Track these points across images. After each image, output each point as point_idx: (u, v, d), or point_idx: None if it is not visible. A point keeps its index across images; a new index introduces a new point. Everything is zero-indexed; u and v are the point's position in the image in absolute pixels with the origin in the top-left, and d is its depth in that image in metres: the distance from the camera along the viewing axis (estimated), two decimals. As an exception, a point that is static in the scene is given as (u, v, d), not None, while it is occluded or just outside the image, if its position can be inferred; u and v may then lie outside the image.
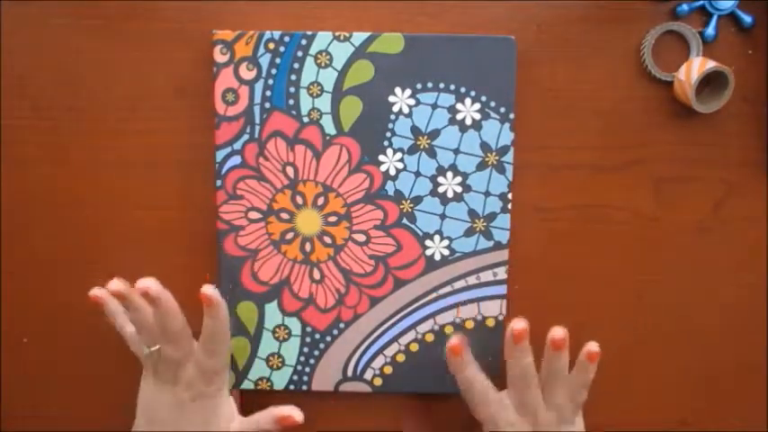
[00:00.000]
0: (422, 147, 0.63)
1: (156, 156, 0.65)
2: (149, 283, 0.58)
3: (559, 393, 0.61)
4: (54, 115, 0.65)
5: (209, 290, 0.59)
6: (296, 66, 0.62)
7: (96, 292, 0.61)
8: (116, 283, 0.58)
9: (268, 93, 0.62)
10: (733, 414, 0.68)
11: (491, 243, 0.64)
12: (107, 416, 0.67)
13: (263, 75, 0.62)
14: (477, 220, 0.63)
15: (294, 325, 0.64)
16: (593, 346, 0.61)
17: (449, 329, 0.64)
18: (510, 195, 0.63)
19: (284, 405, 0.61)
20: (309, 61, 0.62)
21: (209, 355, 0.60)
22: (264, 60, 0.62)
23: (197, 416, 0.60)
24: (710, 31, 0.63)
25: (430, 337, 0.64)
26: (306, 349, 0.64)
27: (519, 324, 0.59)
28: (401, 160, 0.63)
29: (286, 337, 0.64)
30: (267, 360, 0.65)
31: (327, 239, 0.64)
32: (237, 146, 0.63)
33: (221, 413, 0.61)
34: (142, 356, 0.62)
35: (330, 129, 0.62)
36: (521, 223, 0.65)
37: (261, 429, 0.61)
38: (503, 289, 0.64)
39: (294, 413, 0.60)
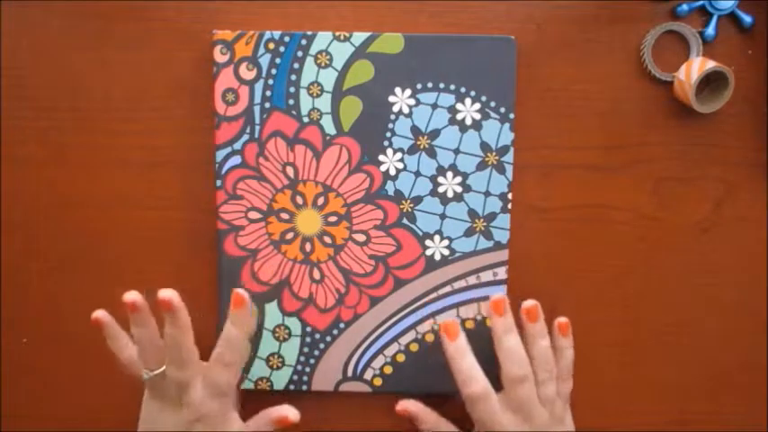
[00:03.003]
0: (422, 147, 0.63)
1: (156, 156, 0.65)
2: (171, 295, 0.57)
3: (551, 386, 0.60)
4: (54, 115, 0.65)
5: (240, 291, 0.58)
6: (296, 66, 0.62)
7: (98, 314, 0.60)
8: (133, 294, 0.58)
9: (268, 93, 0.62)
10: (733, 414, 0.68)
11: (491, 243, 0.64)
12: (107, 416, 0.67)
13: (263, 75, 0.62)
14: (477, 220, 0.64)
15: (294, 325, 0.64)
16: (560, 319, 0.62)
17: (449, 329, 0.64)
18: (510, 195, 0.63)
19: (279, 405, 0.62)
20: (309, 61, 0.62)
21: (222, 367, 0.58)
22: (264, 60, 0.62)
23: None
24: (710, 31, 0.63)
25: (430, 337, 0.64)
26: (306, 349, 0.64)
27: (497, 296, 0.60)
28: (401, 160, 0.63)
29: (286, 337, 0.64)
30: (267, 360, 0.65)
31: (327, 239, 0.64)
32: (237, 146, 0.63)
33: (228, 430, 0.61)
34: (141, 380, 0.60)
35: (330, 129, 0.62)
36: (521, 223, 0.65)
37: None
38: (503, 289, 0.64)
39: (289, 413, 0.60)
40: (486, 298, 0.64)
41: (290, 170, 0.63)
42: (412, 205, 0.63)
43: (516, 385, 0.59)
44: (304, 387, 0.65)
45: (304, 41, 0.62)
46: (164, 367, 0.59)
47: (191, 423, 0.59)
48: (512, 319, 0.60)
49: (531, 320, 0.60)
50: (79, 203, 0.65)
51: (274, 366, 0.65)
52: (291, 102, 0.62)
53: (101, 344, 0.66)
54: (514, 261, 0.64)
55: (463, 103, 0.62)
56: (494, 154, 0.63)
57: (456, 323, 0.59)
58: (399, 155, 0.63)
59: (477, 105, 0.62)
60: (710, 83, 0.62)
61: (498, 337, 0.60)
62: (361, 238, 0.64)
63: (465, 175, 0.63)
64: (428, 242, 0.64)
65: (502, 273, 0.64)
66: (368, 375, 0.65)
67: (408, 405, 0.63)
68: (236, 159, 0.63)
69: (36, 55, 0.64)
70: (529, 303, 0.60)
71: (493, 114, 0.62)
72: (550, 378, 0.60)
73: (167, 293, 0.57)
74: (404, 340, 0.64)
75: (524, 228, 0.65)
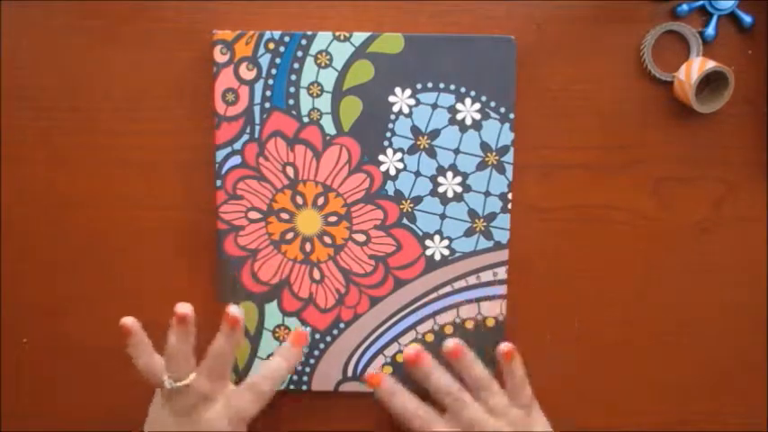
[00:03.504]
0: (422, 147, 0.63)
1: (156, 156, 0.65)
2: (237, 313, 0.57)
3: (496, 399, 0.59)
4: (54, 115, 0.65)
5: (235, 310, 0.58)
6: (296, 66, 0.62)
7: (127, 322, 0.58)
8: (186, 308, 0.57)
9: (268, 93, 0.62)
10: (733, 414, 0.68)
11: (491, 243, 0.64)
12: (107, 416, 0.67)
13: (263, 75, 0.62)
14: (477, 220, 0.64)
15: (294, 325, 0.64)
16: (503, 347, 0.60)
17: (449, 329, 0.64)
18: (510, 195, 0.63)
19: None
20: (309, 61, 0.62)
21: (254, 395, 0.58)
22: (264, 60, 0.62)
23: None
24: (710, 31, 0.63)
25: (430, 337, 0.64)
26: (306, 349, 0.64)
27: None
28: (401, 160, 0.63)
29: (286, 336, 0.64)
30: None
31: (327, 239, 0.64)
32: (237, 146, 0.63)
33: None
34: (161, 387, 0.59)
35: (330, 129, 0.62)
36: (521, 223, 0.65)
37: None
38: (503, 289, 0.64)
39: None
40: (486, 298, 0.64)
41: (290, 170, 0.63)
42: (412, 205, 0.63)
43: (457, 411, 0.59)
44: (304, 387, 0.65)
45: (304, 41, 0.62)
46: (191, 377, 0.57)
47: None
48: (430, 363, 0.59)
49: (455, 358, 0.59)
50: (79, 203, 0.65)
51: (274, 366, 0.65)
52: (291, 102, 0.62)
53: (101, 344, 0.66)
54: (514, 261, 0.64)
55: (463, 103, 0.62)
56: (494, 154, 0.63)
57: (376, 372, 0.60)
58: (399, 155, 0.63)
59: (477, 105, 0.62)
60: (710, 83, 0.62)
61: (422, 380, 0.59)
62: (361, 238, 0.64)
63: (465, 175, 0.63)
64: (428, 242, 0.64)
65: (502, 273, 0.64)
66: (368, 375, 0.65)
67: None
68: (236, 159, 0.63)
69: (36, 55, 0.64)
70: (449, 345, 0.59)
71: (493, 114, 0.62)
72: (491, 394, 0.59)
73: (233, 310, 0.58)
74: (404, 340, 0.64)
75: (524, 228, 0.65)
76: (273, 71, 0.62)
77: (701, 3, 0.63)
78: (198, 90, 0.64)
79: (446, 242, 0.64)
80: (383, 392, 0.60)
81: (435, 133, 0.63)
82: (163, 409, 0.59)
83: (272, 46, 0.62)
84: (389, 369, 0.65)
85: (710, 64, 0.61)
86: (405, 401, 0.59)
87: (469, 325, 0.64)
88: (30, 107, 0.65)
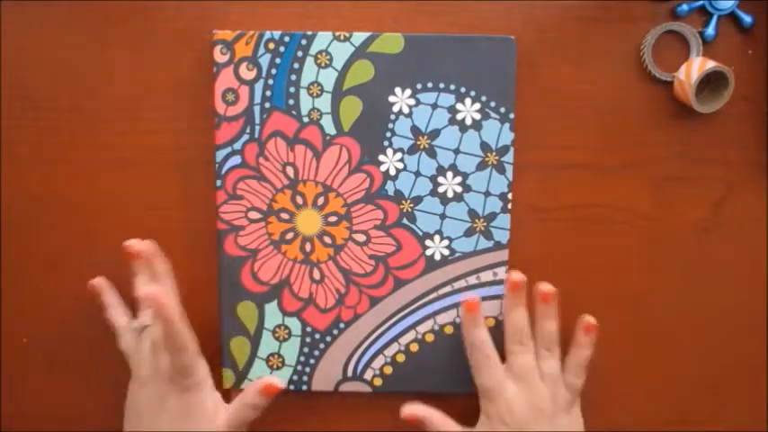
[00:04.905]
0: (422, 147, 0.63)
1: (156, 156, 0.65)
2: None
3: (552, 362, 0.62)
4: (54, 115, 0.65)
5: (154, 290, 0.58)
6: (296, 66, 0.62)
7: (96, 281, 0.64)
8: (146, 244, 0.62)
9: (268, 93, 0.62)
10: (733, 414, 0.68)
11: (491, 243, 0.64)
12: (107, 416, 0.67)
13: (263, 75, 0.62)
14: (477, 220, 0.64)
15: (294, 325, 0.64)
16: (589, 318, 0.63)
17: (449, 329, 0.64)
18: (510, 195, 0.63)
19: (281, 399, 0.62)
20: (309, 61, 0.62)
21: (173, 353, 0.59)
22: (264, 60, 0.62)
23: (178, 408, 0.59)
24: (710, 31, 0.63)
25: (430, 337, 0.64)
26: (306, 349, 0.64)
27: (516, 276, 0.62)
28: (401, 160, 0.63)
29: (286, 337, 0.64)
30: (267, 360, 0.65)
31: (327, 239, 0.64)
32: (237, 146, 0.63)
33: (205, 407, 0.60)
34: (129, 343, 0.62)
35: (330, 129, 0.62)
36: (521, 223, 0.65)
37: (248, 406, 0.61)
38: (503, 289, 0.64)
39: (274, 380, 0.61)
40: (486, 298, 0.64)
41: (290, 170, 0.63)
42: (412, 205, 0.63)
43: (516, 353, 0.61)
44: (304, 387, 0.65)
45: (304, 41, 0.62)
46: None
47: (168, 394, 0.60)
48: (523, 297, 0.62)
49: (544, 302, 0.62)
50: (79, 203, 0.65)
51: (274, 366, 0.65)
52: (291, 102, 0.62)
53: (101, 343, 0.66)
54: (514, 261, 0.64)
55: (463, 103, 0.62)
56: (494, 154, 0.63)
57: (477, 299, 0.62)
58: (399, 155, 0.63)
59: (477, 105, 0.62)
60: (710, 83, 0.62)
61: (507, 311, 0.62)
62: (361, 238, 0.64)
63: (465, 175, 0.63)
64: (428, 242, 0.64)
65: (502, 273, 0.64)
66: (368, 375, 0.65)
67: (415, 410, 0.63)
68: (236, 159, 0.63)
69: (36, 55, 0.64)
70: (546, 287, 0.62)
71: (493, 114, 0.62)
72: (551, 356, 0.62)
73: (132, 244, 0.62)
74: (404, 340, 0.64)
75: (524, 228, 0.65)
76: (273, 71, 0.62)
77: (700, 3, 0.63)
78: (198, 90, 0.64)
79: (446, 242, 0.64)
80: (472, 318, 0.62)
81: (435, 133, 0.63)
82: (133, 380, 0.61)
83: (272, 46, 0.62)
84: (390, 369, 0.65)
85: (710, 64, 0.61)
86: (484, 334, 0.62)
87: (469, 325, 0.64)
88: (30, 107, 0.65)
